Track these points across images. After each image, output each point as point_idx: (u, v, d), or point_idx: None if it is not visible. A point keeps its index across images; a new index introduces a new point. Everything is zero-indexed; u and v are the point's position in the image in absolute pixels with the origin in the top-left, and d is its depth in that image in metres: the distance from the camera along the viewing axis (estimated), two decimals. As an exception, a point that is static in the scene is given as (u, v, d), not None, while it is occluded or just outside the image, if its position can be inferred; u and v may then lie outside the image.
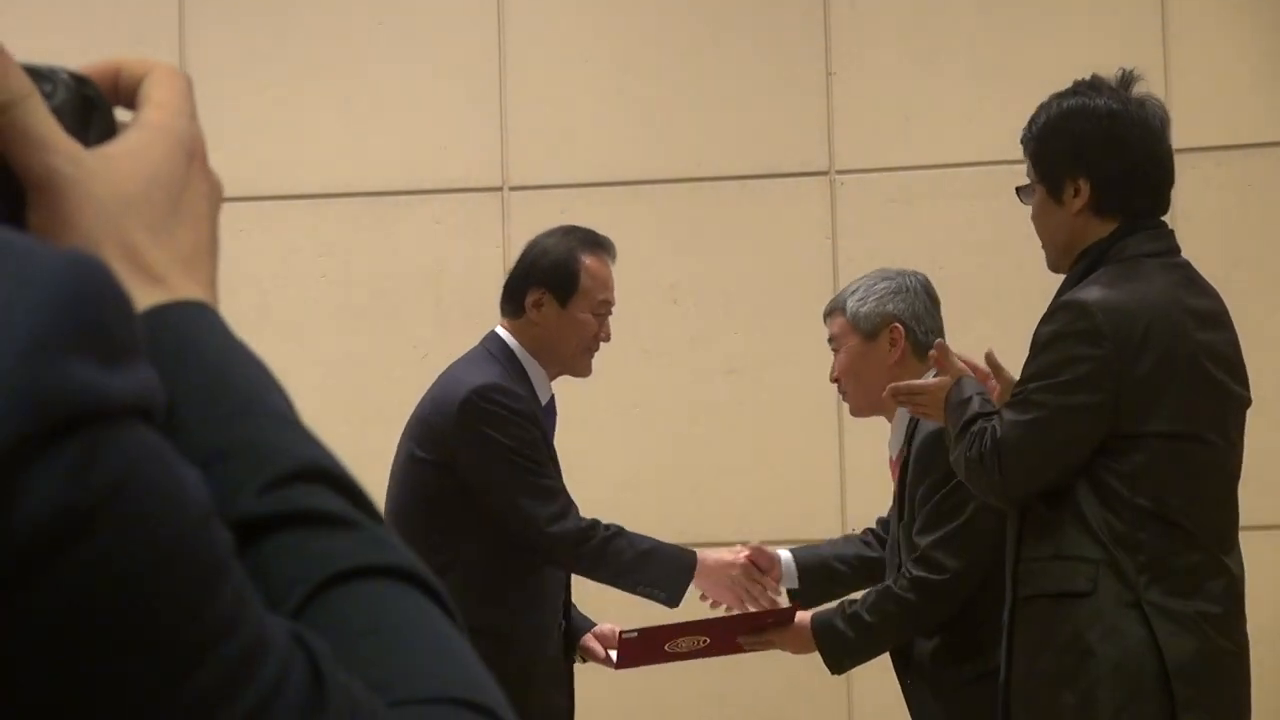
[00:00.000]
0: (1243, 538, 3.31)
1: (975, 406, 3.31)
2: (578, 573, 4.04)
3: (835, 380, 4.03)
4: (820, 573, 4.13)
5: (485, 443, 3.89)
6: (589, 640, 4.14)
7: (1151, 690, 3.15)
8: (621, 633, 4.06)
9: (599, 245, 4.12)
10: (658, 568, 3.99)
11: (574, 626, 4.16)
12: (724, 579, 4.07)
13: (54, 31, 6.30)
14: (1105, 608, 3.17)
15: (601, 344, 4.09)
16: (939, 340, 3.52)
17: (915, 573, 3.72)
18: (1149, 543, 3.18)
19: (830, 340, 4.03)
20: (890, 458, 3.98)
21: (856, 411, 4.06)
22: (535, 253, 4.11)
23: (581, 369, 4.10)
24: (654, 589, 4.00)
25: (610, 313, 4.10)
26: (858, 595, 3.91)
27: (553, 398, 4.11)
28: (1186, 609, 3.18)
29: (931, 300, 4.00)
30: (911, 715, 3.89)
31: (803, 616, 3.91)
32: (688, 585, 4.02)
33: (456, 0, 6.27)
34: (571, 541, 3.92)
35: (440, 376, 4.07)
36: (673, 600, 4.03)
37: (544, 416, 4.04)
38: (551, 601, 4.04)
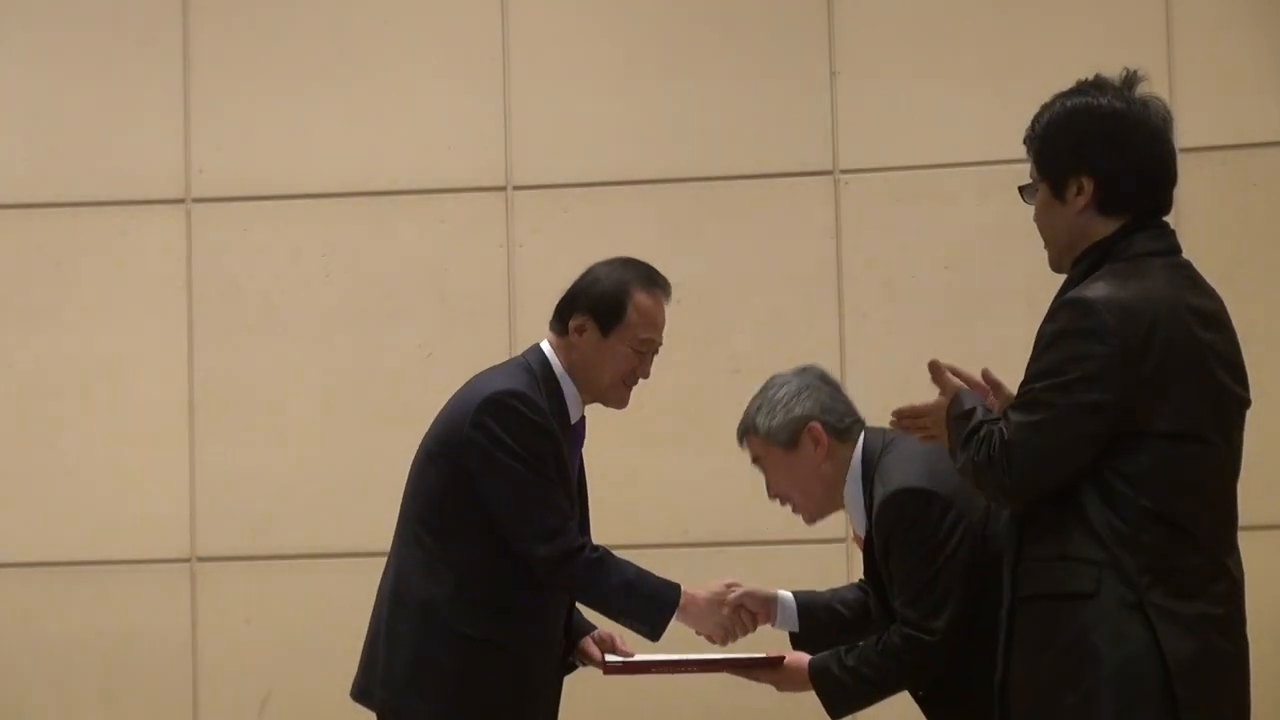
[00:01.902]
0: (1242, 538, 3.31)
1: (979, 415, 3.31)
2: (558, 588, 3.98)
3: (776, 496, 4.01)
4: (822, 615, 4.11)
5: (494, 442, 3.88)
6: (587, 643, 4.14)
7: (1154, 692, 3.14)
8: (606, 661, 4.07)
9: (654, 283, 4.08)
10: (640, 600, 3.94)
11: (574, 629, 4.14)
12: (710, 618, 4.04)
13: (59, 32, 6.31)
14: (1109, 609, 3.16)
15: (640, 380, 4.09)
16: (932, 359, 3.50)
17: (906, 631, 3.73)
18: (1152, 544, 3.17)
19: (755, 462, 4.01)
20: (857, 534, 3.96)
21: (811, 519, 4.04)
22: (589, 279, 4.08)
23: (615, 400, 4.10)
24: (635, 621, 3.96)
25: (653, 351, 4.07)
26: (851, 643, 3.88)
27: (583, 419, 4.10)
28: (1189, 610, 3.17)
29: (832, 385, 4.00)
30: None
31: (799, 659, 3.91)
32: (669, 621, 3.97)
33: (461, 0, 6.27)
34: (554, 561, 3.88)
35: (471, 379, 4.07)
36: (654, 635, 3.98)
37: (569, 436, 4.03)
38: (554, 614, 4.03)
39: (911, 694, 3.88)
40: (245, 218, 6.17)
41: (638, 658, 4.09)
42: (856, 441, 3.92)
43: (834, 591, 4.19)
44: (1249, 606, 3.29)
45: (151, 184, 6.22)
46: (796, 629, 4.10)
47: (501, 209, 6.14)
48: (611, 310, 4.01)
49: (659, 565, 4.11)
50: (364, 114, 6.22)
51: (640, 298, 4.04)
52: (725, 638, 4.08)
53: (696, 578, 4.23)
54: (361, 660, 4.05)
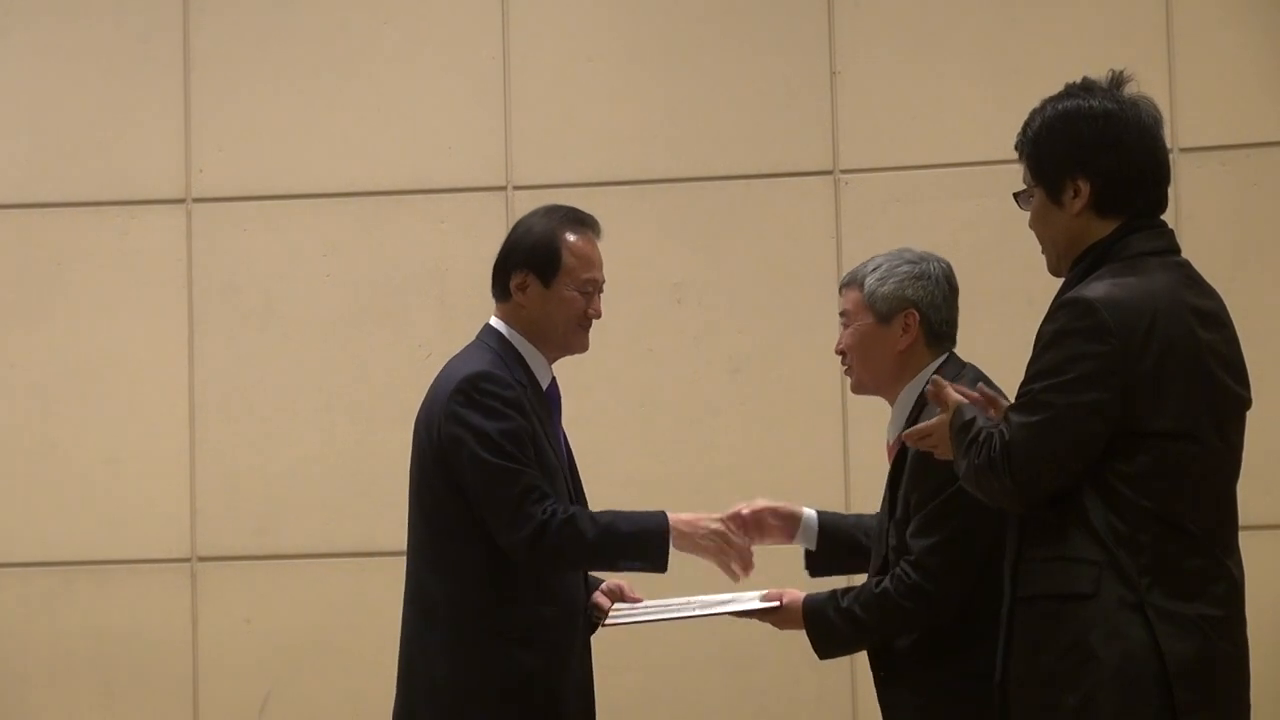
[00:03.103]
0: (1243, 538, 3.30)
1: (980, 423, 3.31)
2: (548, 570, 3.90)
3: (840, 352, 3.97)
4: (840, 538, 4.09)
5: (471, 431, 3.84)
6: (597, 597, 4.07)
7: (1152, 693, 3.14)
8: (609, 614, 4.03)
9: (581, 223, 4.05)
10: (626, 540, 3.88)
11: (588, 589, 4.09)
12: (697, 539, 3.97)
13: (59, 32, 6.31)
14: (1108, 610, 3.16)
15: (607, 335, 4.04)
16: (934, 377, 3.50)
17: (912, 578, 3.69)
18: (1151, 545, 3.18)
19: (841, 314, 3.96)
20: (888, 442, 3.95)
21: (858, 388, 3.99)
22: (518, 234, 4.06)
23: (576, 345, 4.04)
24: (633, 562, 3.90)
25: (598, 290, 4.03)
26: (847, 585, 3.88)
27: (554, 380, 4.06)
28: (1188, 611, 3.17)
29: (951, 289, 3.92)
30: (882, 709, 3.85)
31: (794, 597, 3.87)
32: (666, 548, 3.90)
33: (461, 1, 6.27)
34: (529, 541, 3.80)
35: (437, 376, 4.04)
36: (658, 568, 3.91)
37: (543, 402, 3.99)
38: (573, 580, 3.97)
39: (874, 672, 3.86)
40: (245, 218, 6.17)
41: (639, 610, 4.03)
42: (939, 356, 3.88)
43: (859, 518, 4.16)
44: (1249, 607, 3.29)
45: (151, 184, 6.22)
46: (814, 547, 4.08)
47: (501, 209, 6.14)
48: (547, 259, 3.98)
49: (660, 565, 4.10)
50: (364, 114, 6.22)
51: (571, 240, 4.01)
52: (721, 558, 3.97)
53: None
54: (398, 683, 3.96)
